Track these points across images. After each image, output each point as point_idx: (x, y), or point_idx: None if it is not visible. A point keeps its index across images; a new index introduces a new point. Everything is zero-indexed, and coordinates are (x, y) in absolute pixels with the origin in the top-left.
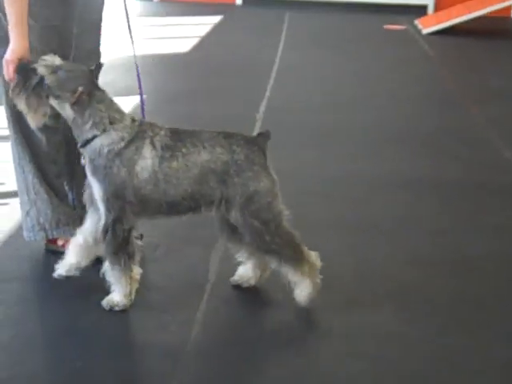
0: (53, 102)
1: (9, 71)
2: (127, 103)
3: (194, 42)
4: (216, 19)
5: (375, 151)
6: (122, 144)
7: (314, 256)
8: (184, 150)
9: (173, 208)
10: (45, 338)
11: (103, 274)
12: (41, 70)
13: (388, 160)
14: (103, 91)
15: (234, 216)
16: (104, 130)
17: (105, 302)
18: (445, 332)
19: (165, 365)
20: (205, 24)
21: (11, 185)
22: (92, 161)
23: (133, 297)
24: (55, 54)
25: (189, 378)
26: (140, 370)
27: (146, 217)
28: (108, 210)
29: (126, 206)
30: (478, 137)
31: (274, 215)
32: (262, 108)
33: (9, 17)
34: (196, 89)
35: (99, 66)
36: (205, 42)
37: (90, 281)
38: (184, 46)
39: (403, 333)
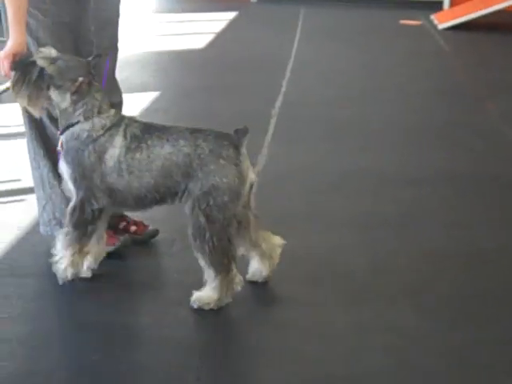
0: (52, 92)
1: (4, 67)
2: (142, 99)
3: (210, 38)
4: (231, 15)
5: (389, 145)
6: (101, 132)
7: (237, 278)
8: (149, 142)
9: (139, 201)
10: (61, 333)
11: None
12: (40, 61)
13: (402, 153)
14: (97, 83)
15: (187, 207)
16: (88, 118)
17: (57, 274)
18: (455, 326)
19: (181, 358)
20: (220, 20)
21: (27, 181)
22: (66, 143)
23: (80, 267)
24: (69, 50)
25: (205, 372)
26: (157, 364)
27: (115, 207)
28: (77, 188)
29: (94, 187)
30: (492, 130)
31: (224, 217)
32: (278, 103)
33: (7, 13)
34: (212, 85)
35: (98, 56)
36: (220, 39)
37: (105, 276)
38: (199, 42)
39: (414, 327)
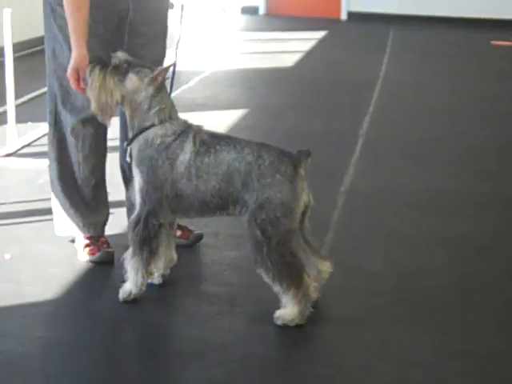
0: (130, 78)
1: (73, 83)
2: (229, 116)
3: (298, 56)
4: (320, 34)
5: (477, 166)
6: (173, 137)
7: (312, 287)
8: (218, 147)
9: (204, 205)
10: (144, 345)
11: (122, 261)
12: (119, 54)
13: (489, 176)
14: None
15: (245, 221)
16: (161, 122)
17: (120, 293)
18: None
19: (263, 375)
20: (309, 39)
21: (115, 195)
22: (140, 151)
23: (144, 288)
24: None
25: None
26: (238, 381)
27: (181, 214)
28: (144, 201)
29: (163, 199)
30: None
31: (279, 231)
32: (366, 123)
33: (69, 26)
34: (299, 103)
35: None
36: (309, 57)
37: (188, 291)
38: (288, 60)
39: (501, 353)
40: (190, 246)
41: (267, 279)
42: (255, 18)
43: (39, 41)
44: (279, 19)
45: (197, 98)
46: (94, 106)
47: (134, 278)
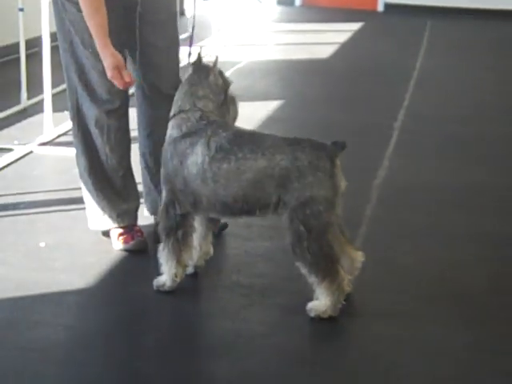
0: None
1: (119, 83)
2: (264, 108)
3: (334, 48)
4: (357, 26)
5: None
6: (179, 134)
7: (346, 280)
8: (240, 154)
9: (226, 208)
10: (176, 340)
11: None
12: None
13: None
14: (204, 77)
15: (284, 217)
16: (174, 115)
17: (154, 283)
18: None
19: (292, 367)
20: (345, 31)
21: None
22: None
23: (179, 280)
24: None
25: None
26: (267, 373)
27: (202, 212)
28: (164, 190)
29: (177, 192)
30: None
31: (320, 224)
32: (401, 116)
33: (92, 33)
34: (334, 95)
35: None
36: (344, 49)
37: (223, 283)
38: (323, 52)
39: None
40: (214, 235)
41: (304, 270)
42: (291, 9)
43: None
44: (315, 10)
45: (232, 89)
46: None
47: (167, 269)
